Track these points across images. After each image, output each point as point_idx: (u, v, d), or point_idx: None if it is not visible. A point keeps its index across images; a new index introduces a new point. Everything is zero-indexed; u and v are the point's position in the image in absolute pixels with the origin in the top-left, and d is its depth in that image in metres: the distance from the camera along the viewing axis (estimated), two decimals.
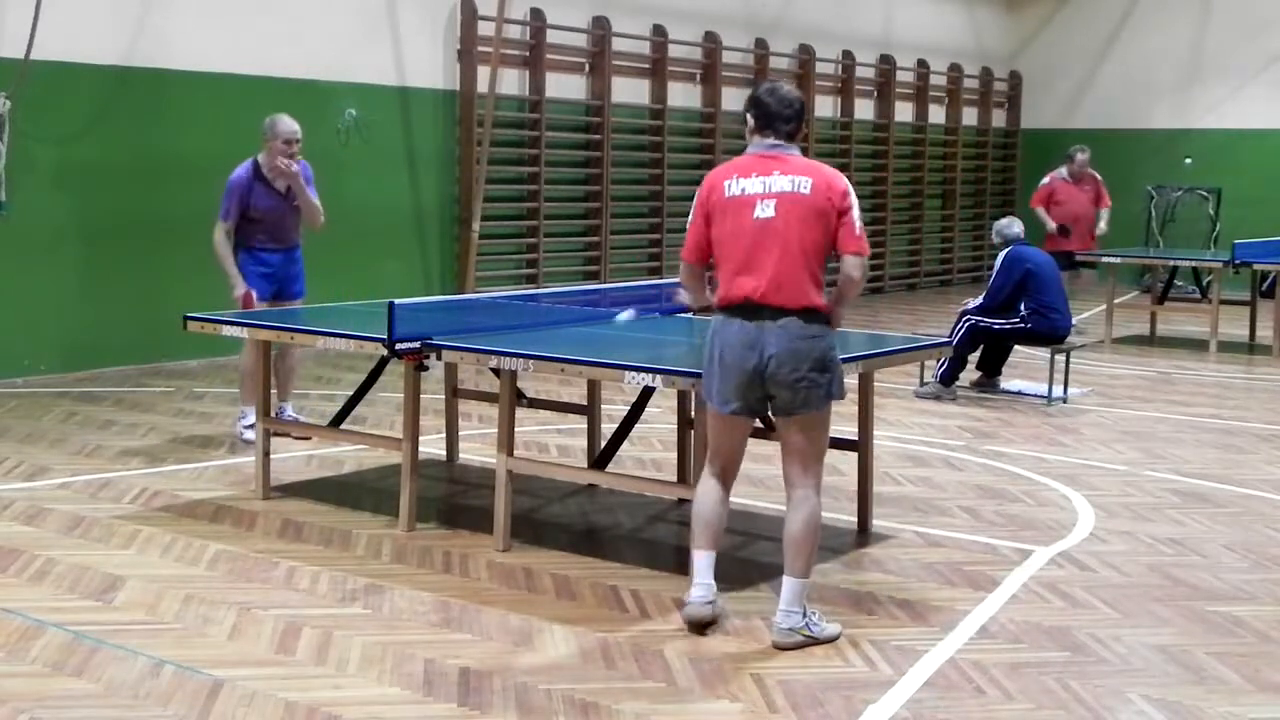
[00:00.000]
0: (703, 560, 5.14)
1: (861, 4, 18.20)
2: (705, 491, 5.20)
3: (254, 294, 8.06)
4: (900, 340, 7.53)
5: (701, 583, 5.12)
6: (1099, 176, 14.03)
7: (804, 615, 4.97)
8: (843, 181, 4.97)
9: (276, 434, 7.42)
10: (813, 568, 5.07)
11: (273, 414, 7.56)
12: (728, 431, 5.14)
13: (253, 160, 8.18)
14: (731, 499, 7.01)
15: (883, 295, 18.40)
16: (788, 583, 5.00)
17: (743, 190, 4.93)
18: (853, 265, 4.93)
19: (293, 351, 8.33)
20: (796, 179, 4.90)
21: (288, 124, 8.10)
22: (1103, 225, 13.95)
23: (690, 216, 5.10)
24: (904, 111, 18.94)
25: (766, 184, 4.91)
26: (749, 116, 5.06)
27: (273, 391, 7.62)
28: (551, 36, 13.81)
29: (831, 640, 4.99)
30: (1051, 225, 13.71)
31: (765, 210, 4.88)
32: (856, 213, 4.95)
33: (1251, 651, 5.02)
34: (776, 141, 5.00)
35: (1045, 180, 13.94)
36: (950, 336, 9.99)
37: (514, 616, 5.24)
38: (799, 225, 4.87)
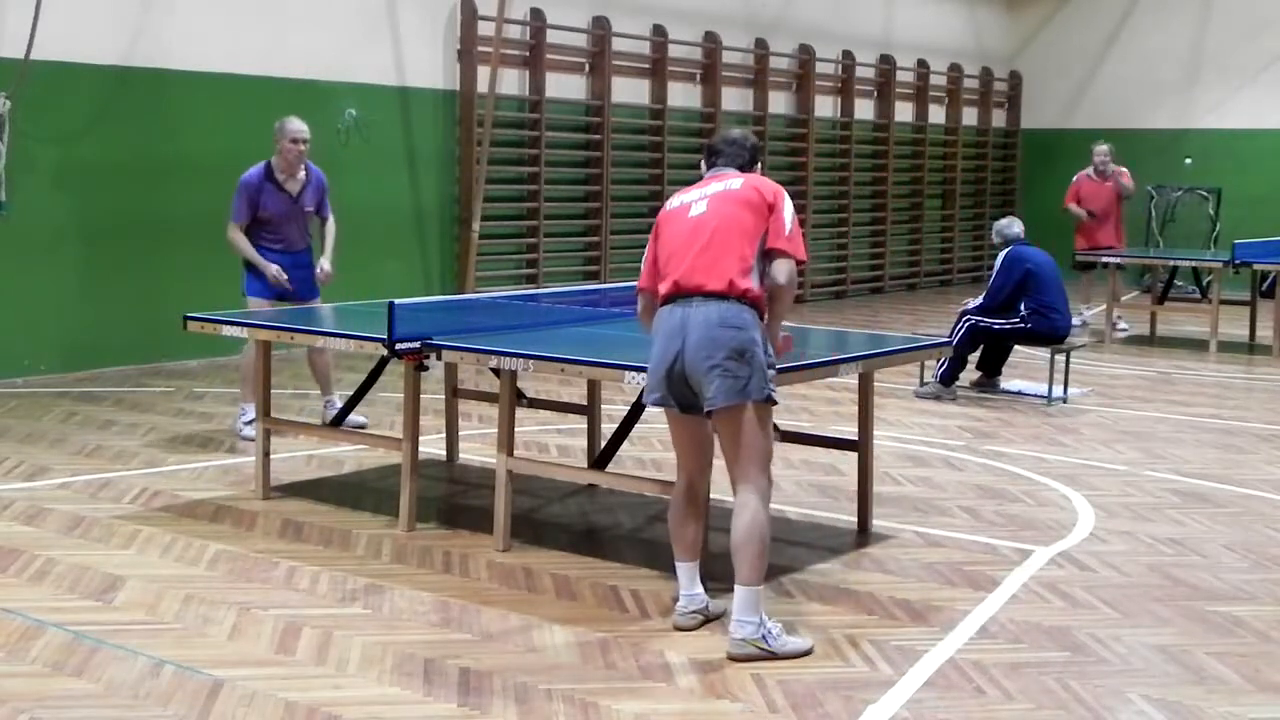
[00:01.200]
0: (682, 571, 5.20)
1: (861, 4, 18.21)
2: (673, 504, 5.24)
3: (280, 271, 8.22)
4: (900, 340, 7.53)
5: (683, 594, 5.18)
6: (1125, 170, 14.16)
7: (759, 625, 4.82)
8: (774, 185, 5.05)
9: (274, 432, 7.42)
10: (763, 574, 4.90)
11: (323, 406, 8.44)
12: (674, 431, 5.16)
13: (265, 163, 8.30)
14: (730, 499, 7.03)
15: (883, 295, 18.40)
16: (737, 591, 4.86)
17: (681, 202, 5.11)
18: (779, 269, 4.90)
19: (324, 350, 8.41)
20: (729, 182, 5.06)
21: (296, 124, 8.26)
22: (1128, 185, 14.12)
23: (647, 252, 5.20)
24: (904, 111, 18.94)
25: (702, 192, 5.09)
26: (702, 163, 5.28)
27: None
28: (551, 36, 13.81)
29: (795, 656, 4.82)
30: (1082, 213, 13.96)
31: (698, 209, 5.02)
32: (788, 215, 4.95)
33: (1251, 651, 5.02)
34: (717, 166, 5.18)
35: (1074, 179, 14.22)
36: (950, 336, 9.99)
37: (514, 616, 5.24)
38: (727, 212, 4.94)
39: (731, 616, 4.91)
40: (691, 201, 5.06)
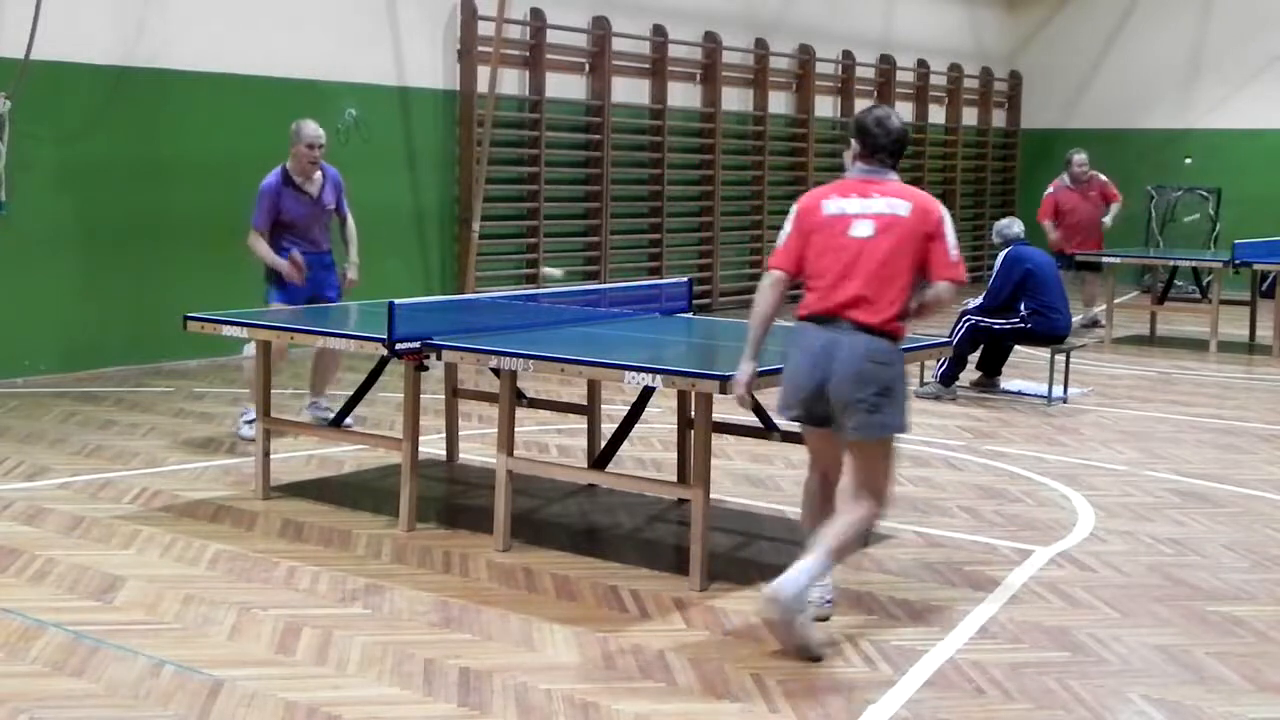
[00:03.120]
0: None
1: (861, 4, 18.21)
2: (806, 495, 5.21)
3: (297, 253, 8.11)
4: None
5: (818, 585, 5.09)
6: (1105, 178, 14.03)
7: (802, 592, 4.79)
8: (939, 207, 5.02)
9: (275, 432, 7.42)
10: (841, 554, 4.99)
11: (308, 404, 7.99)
12: (810, 439, 5.17)
13: (281, 167, 8.23)
14: (731, 499, 7.04)
15: None
16: (811, 551, 4.88)
17: (841, 210, 4.97)
18: (944, 290, 4.96)
19: (331, 351, 8.28)
20: (894, 201, 4.95)
21: (311, 129, 8.17)
22: (1107, 220, 13.94)
23: (785, 230, 5.06)
24: (904, 111, 18.91)
25: (865, 205, 4.96)
26: (853, 141, 5.10)
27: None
28: (551, 36, 13.81)
29: (806, 649, 4.80)
30: (1053, 236, 13.71)
31: (862, 230, 4.91)
32: (952, 238, 4.98)
33: (1251, 651, 5.03)
34: (876, 167, 5.03)
35: (1049, 190, 13.88)
36: (950, 336, 9.99)
37: (514, 616, 5.24)
38: (893, 246, 4.89)
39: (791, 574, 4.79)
40: (853, 216, 4.93)
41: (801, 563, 4.82)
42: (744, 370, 5.05)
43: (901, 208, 4.93)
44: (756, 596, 5.49)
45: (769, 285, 5.03)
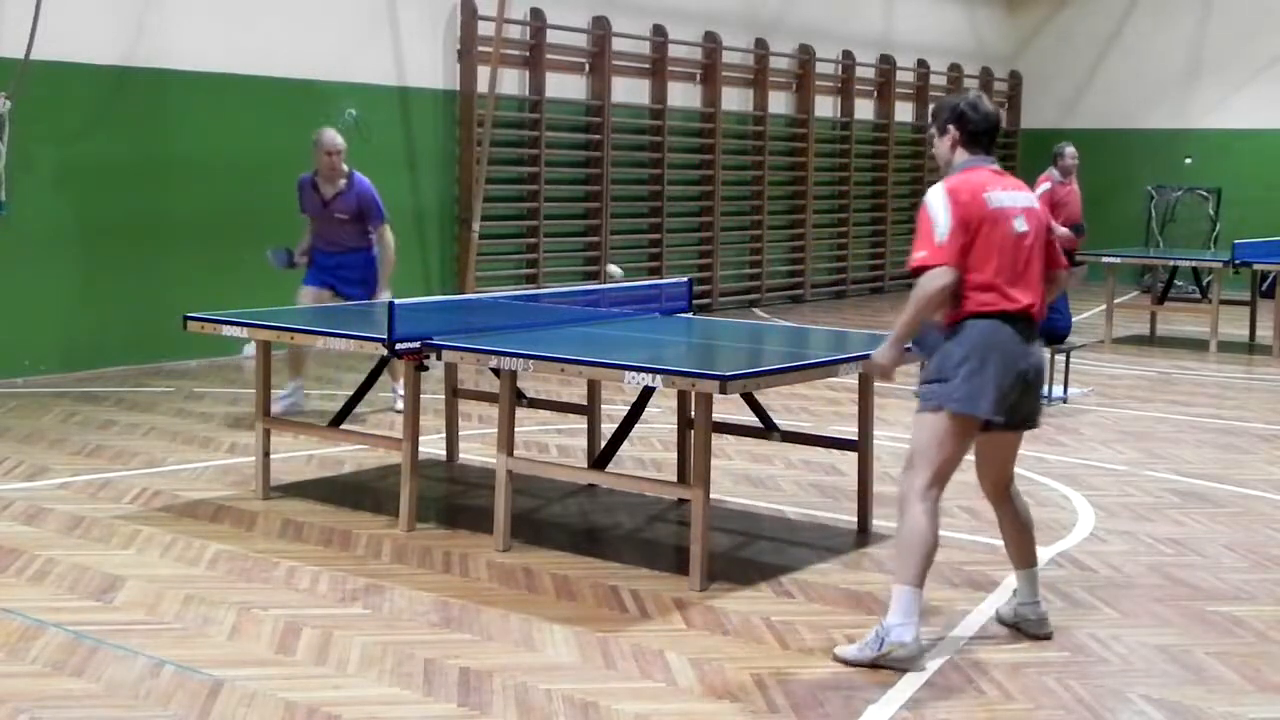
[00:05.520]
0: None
1: (861, 4, 18.21)
2: (933, 521, 4.85)
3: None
4: None
5: (917, 621, 4.84)
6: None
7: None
8: None
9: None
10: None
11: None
12: (966, 444, 4.97)
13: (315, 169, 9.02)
14: (731, 499, 7.05)
15: (883, 295, 18.41)
16: (1031, 573, 5.16)
17: (1000, 205, 4.84)
18: (1064, 277, 5.09)
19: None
20: (1028, 194, 4.93)
21: (329, 136, 9.02)
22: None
23: (944, 223, 4.72)
24: (904, 111, 18.95)
25: (1014, 200, 4.85)
26: (951, 128, 4.92)
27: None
28: (551, 36, 13.82)
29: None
30: (1062, 230, 13.27)
31: (1021, 225, 4.82)
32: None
33: (1251, 651, 5.02)
34: (990, 158, 4.93)
35: (1044, 187, 13.37)
36: None
37: (514, 616, 5.24)
38: (1040, 240, 4.90)
39: (1032, 598, 5.18)
40: (1011, 211, 4.81)
41: (1033, 583, 5.18)
42: (891, 357, 5.01)
43: (1034, 200, 4.95)
44: (758, 596, 5.51)
45: (945, 284, 4.72)
